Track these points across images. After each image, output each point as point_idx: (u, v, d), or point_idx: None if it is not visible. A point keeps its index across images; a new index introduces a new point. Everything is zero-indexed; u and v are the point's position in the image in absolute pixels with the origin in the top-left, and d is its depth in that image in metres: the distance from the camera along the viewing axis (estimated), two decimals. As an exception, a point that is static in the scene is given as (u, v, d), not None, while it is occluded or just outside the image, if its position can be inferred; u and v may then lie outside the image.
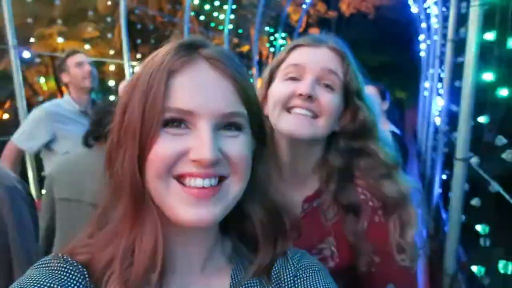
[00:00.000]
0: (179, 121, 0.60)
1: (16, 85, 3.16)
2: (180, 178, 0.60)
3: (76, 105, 2.79)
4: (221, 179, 0.61)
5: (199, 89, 0.60)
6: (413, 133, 9.16)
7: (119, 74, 4.95)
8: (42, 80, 13.50)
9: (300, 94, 0.96)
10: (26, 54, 3.93)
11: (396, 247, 0.96)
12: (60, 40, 11.47)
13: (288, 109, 0.99)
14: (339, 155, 1.02)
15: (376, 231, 0.98)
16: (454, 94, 3.34)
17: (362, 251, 0.97)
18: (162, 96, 0.58)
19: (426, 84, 7.04)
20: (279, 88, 1.02)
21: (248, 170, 0.65)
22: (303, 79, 0.99)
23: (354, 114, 1.01)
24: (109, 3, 4.70)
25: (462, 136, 2.06)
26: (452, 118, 3.43)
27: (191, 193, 0.59)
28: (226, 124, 0.62)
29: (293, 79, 1.00)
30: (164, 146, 0.59)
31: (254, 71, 9.85)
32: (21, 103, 3.16)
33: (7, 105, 13.35)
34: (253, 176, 0.68)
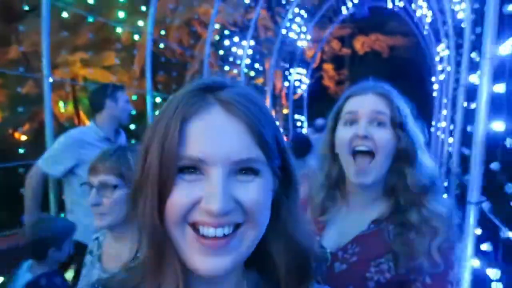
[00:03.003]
0: (194, 168, 0.59)
1: (46, 113, 3.30)
2: (194, 225, 0.59)
3: (101, 132, 2.92)
4: (236, 226, 0.60)
5: (211, 136, 0.59)
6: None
7: (140, 103, 5.14)
8: (61, 104, 13.95)
9: (358, 136, 1.19)
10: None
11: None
12: (80, 65, 11.93)
13: (352, 151, 1.21)
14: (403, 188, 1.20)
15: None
16: (466, 138, 3.40)
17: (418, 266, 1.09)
18: (177, 144, 0.59)
19: (439, 124, 7.08)
20: (342, 133, 1.26)
21: (266, 215, 0.64)
22: (358, 123, 1.22)
23: (397, 142, 1.20)
24: (136, 37, 4.95)
25: (474, 181, 2.11)
26: (464, 161, 3.46)
27: (204, 243, 0.59)
28: (240, 169, 0.60)
29: (351, 123, 1.24)
30: (179, 194, 0.59)
31: (268, 103, 10.05)
32: (49, 130, 3.29)
33: (26, 127, 13.74)
34: (277, 218, 0.67)
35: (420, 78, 13.54)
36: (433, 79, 9.33)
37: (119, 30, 4.82)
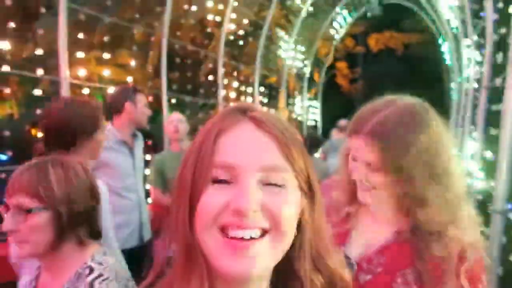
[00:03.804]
0: (225, 175, 0.63)
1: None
2: (223, 229, 0.62)
3: (118, 134, 2.93)
4: (264, 233, 0.63)
5: (242, 146, 0.64)
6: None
7: (154, 103, 5.16)
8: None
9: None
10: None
11: None
12: (94, 63, 12.09)
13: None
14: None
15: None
16: (488, 141, 3.32)
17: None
18: (210, 153, 0.64)
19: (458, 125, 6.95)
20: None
21: (292, 226, 0.66)
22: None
23: None
24: (151, 38, 4.98)
25: (499, 188, 2.05)
26: (486, 164, 3.39)
27: (231, 245, 0.61)
28: (269, 179, 0.64)
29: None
30: (210, 199, 0.62)
31: (282, 102, 10.02)
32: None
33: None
34: (303, 234, 0.69)
35: (436, 76, 13.34)
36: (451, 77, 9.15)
37: (134, 30, 4.84)
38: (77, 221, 1.25)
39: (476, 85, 4.50)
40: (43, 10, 6.04)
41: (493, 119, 3.11)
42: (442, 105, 10.06)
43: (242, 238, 0.61)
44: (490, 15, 3.39)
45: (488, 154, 3.27)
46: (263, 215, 0.62)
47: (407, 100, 1.16)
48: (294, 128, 0.73)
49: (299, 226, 0.69)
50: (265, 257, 0.63)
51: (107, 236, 1.96)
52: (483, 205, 2.93)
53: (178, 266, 0.67)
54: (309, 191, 0.70)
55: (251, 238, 0.61)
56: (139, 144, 3.16)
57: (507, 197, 2.04)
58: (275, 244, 0.64)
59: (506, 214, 2.04)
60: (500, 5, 3.25)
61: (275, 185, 0.64)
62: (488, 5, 3.41)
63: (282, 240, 0.64)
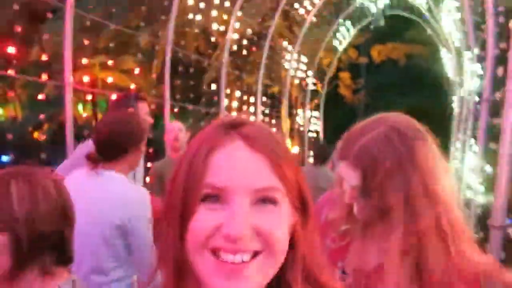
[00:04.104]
0: (215, 197, 0.62)
1: (67, 120, 3.36)
2: (214, 252, 0.62)
3: (121, 144, 2.94)
4: (255, 254, 0.62)
5: (233, 166, 0.63)
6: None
7: (157, 111, 5.19)
8: (80, 106, 14.25)
9: None
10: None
11: None
12: (99, 68, 12.19)
13: None
14: None
15: None
16: (488, 154, 3.32)
17: None
18: (201, 173, 0.62)
19: (459, 137, 6.96)
20: None
21: (284, 245, 0.65)
22: None
23: None
24: (155, 46, 5.02)
25: (498, 203, 2.05)
26: (486, 179, 3.38)
27: (223, 267, 0.61)
28: (260, 199, 0.63)
29: None
30: (200, 221, 0.62)
31: (284, 111, 10.05)
32: (70, 135, 3.34)
33: (45, 127, 14.12)
34: (295, 249, 0.69)
35: (437, 87, 13.34)
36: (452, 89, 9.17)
37: (139, 37, 4.90)
38: (42, 246, 1.08)
39: (477, 98, 4.51)
40: (49, 15, 6.10)
41: (493, 133, 3.12)
42: (443, 116, 10.05)
43: (233, 262, 0.61)
44: (491, 28, 3.42)
45: (488, 168, 3.27)
46: (255, 237, 0.62)
47: (394, 120, 1.13)
48: (285, 142, 0.72)
49: (291, 241, 0.68)
50: (257, 277, 0.63)
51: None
52: (483, 219, 2.93)
53: (170, 282, 0.67)
54: (301, 206, 0.70)
55: (243, 262, 0.61)
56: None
57: (506, 212, 2.04)
58: (267, 263, 0.64)
59: (505, 229, 2.03)
60: (501, 19, 3.29)
61: (267, 202, 0.64)
62: (489, 18, 3.44)
63: (274, 259, 0.65)
